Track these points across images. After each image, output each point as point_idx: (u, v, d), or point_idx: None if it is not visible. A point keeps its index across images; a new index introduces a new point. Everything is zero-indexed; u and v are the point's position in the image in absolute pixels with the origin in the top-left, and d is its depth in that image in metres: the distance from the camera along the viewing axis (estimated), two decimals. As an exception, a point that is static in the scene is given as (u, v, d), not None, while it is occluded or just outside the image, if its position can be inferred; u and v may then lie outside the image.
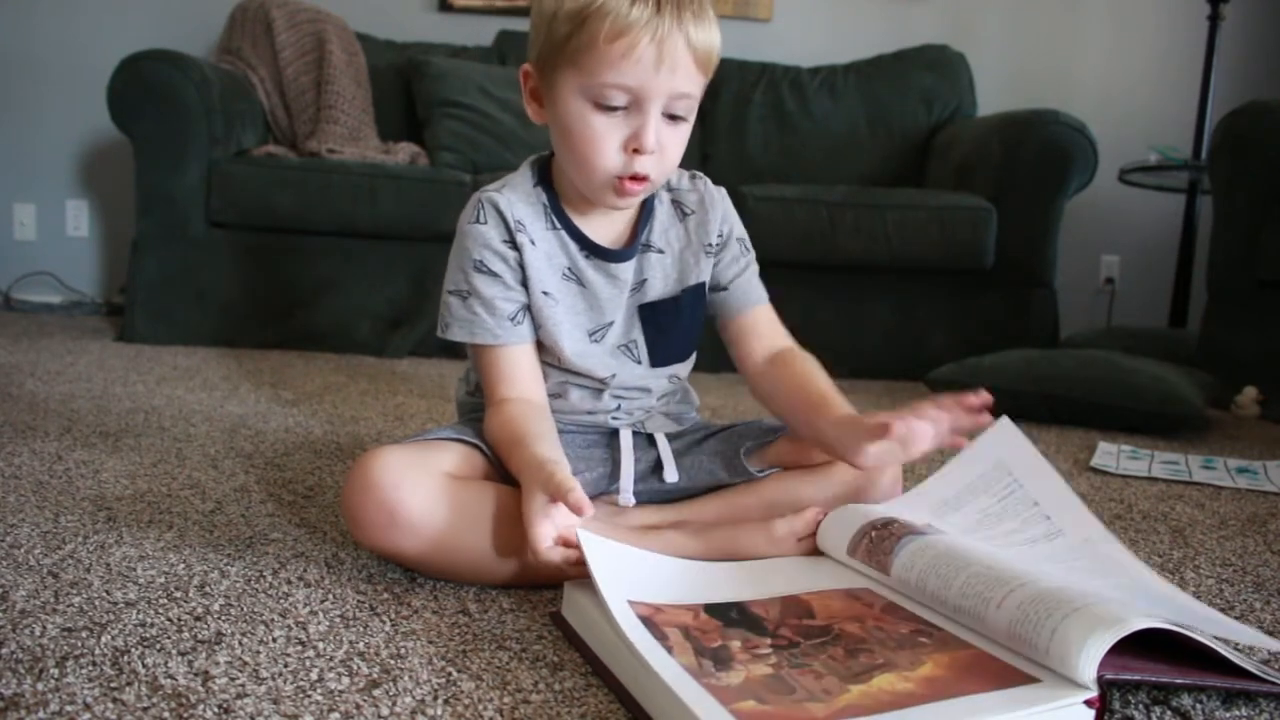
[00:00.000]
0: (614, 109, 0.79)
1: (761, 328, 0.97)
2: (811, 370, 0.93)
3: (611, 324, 0.92)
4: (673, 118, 0.81)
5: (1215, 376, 2.02)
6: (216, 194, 2.29)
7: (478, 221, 0.87)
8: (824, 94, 2.96)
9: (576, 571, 0.70)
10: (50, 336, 2.32)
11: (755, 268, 0.99)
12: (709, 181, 0.96)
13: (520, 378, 0.88)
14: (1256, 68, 3.21)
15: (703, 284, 0.94)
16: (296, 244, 2.35)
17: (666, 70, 0.77)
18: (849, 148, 2.92)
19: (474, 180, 2.38)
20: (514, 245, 0.87)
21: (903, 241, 2.39)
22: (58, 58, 3.00)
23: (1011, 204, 2.43)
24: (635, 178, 0.81)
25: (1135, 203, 3.20)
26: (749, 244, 0.98)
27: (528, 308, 0.88)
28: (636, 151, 0.80)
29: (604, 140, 0.80)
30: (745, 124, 2.91)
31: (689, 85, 0.80)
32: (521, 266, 0.87)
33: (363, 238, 2.35)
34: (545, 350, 0.91)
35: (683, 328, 0.95)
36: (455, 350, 2.37)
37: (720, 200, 0.95)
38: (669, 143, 0.82)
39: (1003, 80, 3.18)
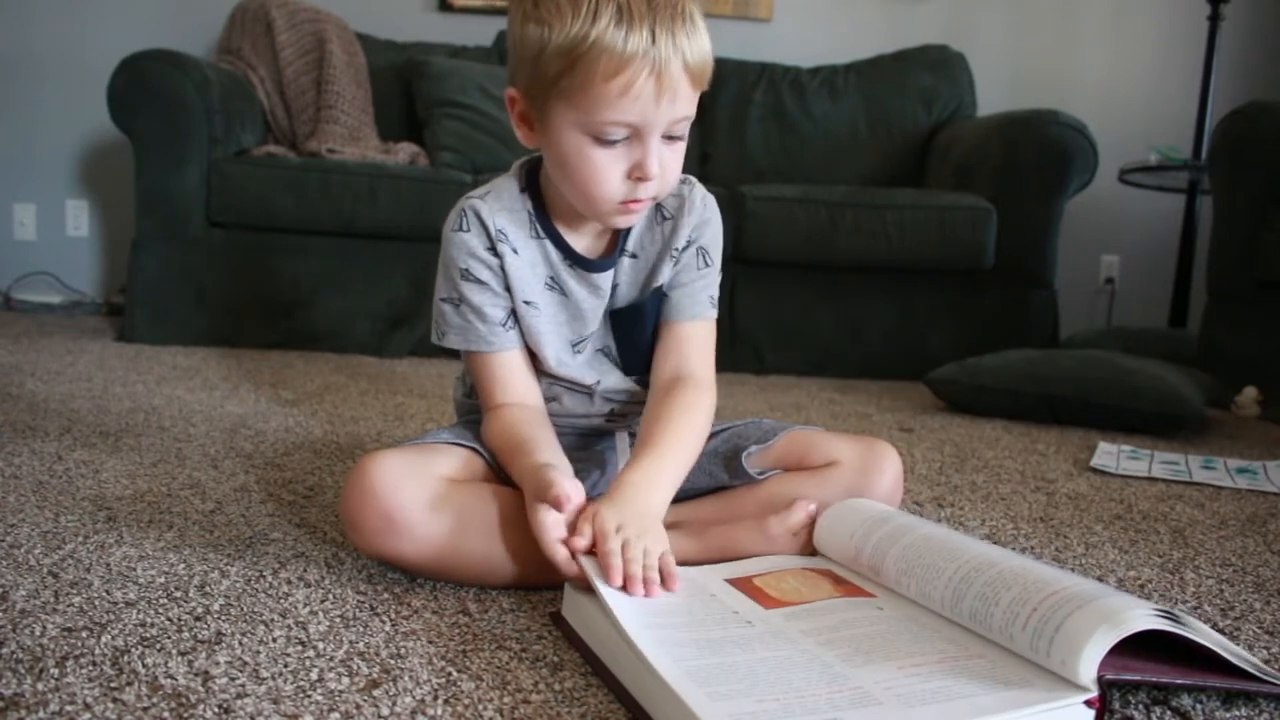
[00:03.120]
0: (614, 141, 0.77)
1: (680, 343, 0.91)
2: (664, 416, 0.84)
3: (591, 334, 0.92)
4: (671, 138, 0.79)
5: (1215, 376, 2.02)
6: (216, 194, 2.29)
7: (461, 229, 0.86)
8: (824, 94, 2.96)
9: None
10: (50, 336, 2.32)
11: (710, 284, 0.92)
12: (696, 187, 0.91)
13: (515, 383, 0.88)
14: (1256, 68, 3.21)
15: (661, 287, 0.91)
16: (296, 244, 2.35)
17: (668, 101, 0.75)
18: (849, 148, 2.92)
19: (474, 180, 2.38)
20: (496, 253, 0.86)
21: (903, 241, 2.39)
22: (58, 58, 3.00)
23: (1011, 204, 2.43)
24: (639, 200, 0.80)
25: (1135, 203, 3.20)
26: (712, 257, 0.92)
27: (515, 312, 0.88)
28: (639, 179, 0.78)
29: (606, 172, 0.78)
30: (745, 124, 2.91)
31: (687, 108, 0.78)
32: (504, 272, 0.86)
33: (363, 238, 2.35)
34: (533, 357, 0.90)
35: (651, 335, 0.93)
36: (455, 350, 2.36)
37: (700, 209, 0.90)
38: (669, 163, 0.80)
39: (1003, 80, 3.18)
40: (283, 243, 2.34)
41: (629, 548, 0.69)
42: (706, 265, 0.91)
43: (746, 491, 0.92)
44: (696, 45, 0.75)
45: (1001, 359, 1.94)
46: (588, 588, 0.68)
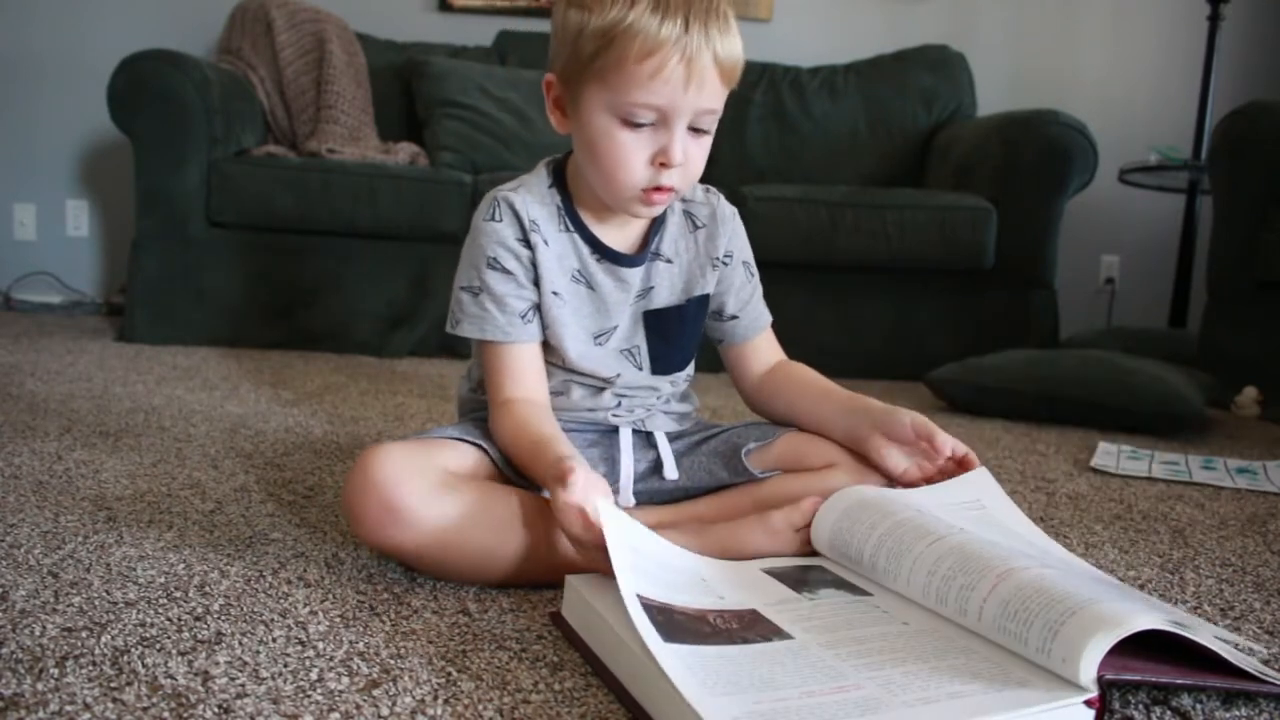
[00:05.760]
0: (641, 125, 0.80)
1: (764, 348, 1.02)
2: (812, 372, 1.01)
3: (615, 328, 0.93)
4: (697, 130, 0.82)
5: (1215, 376, 2.02)
6: (216, 194, 2.29)
7: (493, 219, 0.88)
8: (824, 94, 2.96)
9: (592, 558, 0.69)
10: (50, 336, 2.32)
11: (760, 291, 1.02)
12: (722, 198, 0.98)
13: (526, 377, 0.89)
14: (1256, 68, 3.21)
15: (707, 295, 0.96)
16: (296, 244, 2.35)
17: (695, 88, 0.78)
18: (849, 148, 2.92)
19: (474, 180, 2.38)
20: (528, 244, 0.88)
21: (903, 241, 2.39)
22: (58, 58, 3.00)
23: (1011, 204, 2.43)
24: (661, 189, 0.82)
25: (1135, 203, 3.20)
26: (754, 268, 1.01)
27: (538, 307, 0.89)
28: (663, 165, 0.81)
29: (631, 156, 0.81)
30: (745, 124, 2.91)
31: (715, 101, 0.81)
32: (534, 265, 0.88)
33: (363, 238, 2.35)
34: (550, 350, 0.91)
35: (685, 337, 0.97)
36: (455, 350, 2.37)
37: (731, 219, 0.97)
38: (693, 155, 0.83)
39: (1003, 80, 3.18)
40: (283, 243, 2.34)
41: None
42: (753, 276, 1.01)
43: (747, 491, 0.92)
44: (728, 43, 0.79)
45: (1001, 359, 1.94)
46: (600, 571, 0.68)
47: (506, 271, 0.87)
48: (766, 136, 2.91)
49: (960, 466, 0.85)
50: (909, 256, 2.41)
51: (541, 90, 0.88)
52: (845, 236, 2.39)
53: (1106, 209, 3.20)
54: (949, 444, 0.85)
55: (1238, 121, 2.14)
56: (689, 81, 0.77)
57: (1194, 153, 2.89)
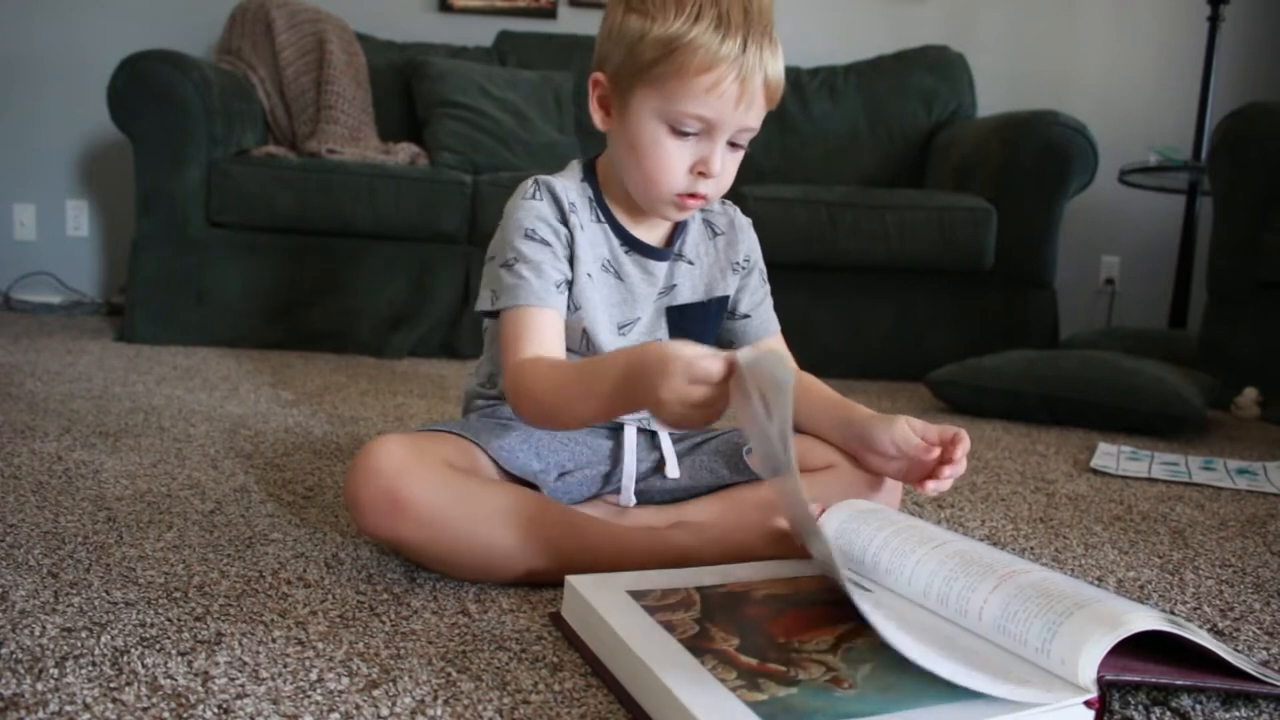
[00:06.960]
0: (687, 134, 0.83)
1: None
2: (815, 381, 1.01)
3: (639, 319, 0.95)
4: (734, 145, 0.85)
5: (1215, 377, 2.02)
6: (216, 194, 2.29)
7: (533, 198, 0.89)
8: (824, 95, 2.96)
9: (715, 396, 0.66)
10: (50, 336, 2.32)
11: (770, 300, 1.05)
12: (739, 210, 1.02)
13: (551, 341, 0.86)
14: (1256, 68, 3.21)
15: (727, 297, 0.99)
16: (296, 244, 2.35)
17: (745, 106, 0.81)
18: (849, 148, 2.92)
19: (474, 180, 2.38)
20: (566, 224, 0.89)
21: (903, 241, 2.39)
22: (58, 58, 3.00)
23: (1011, 204, 2.43)
24: (695, 195, 0.86)
25: (1135, 203, 3.20)
26: (766, 276, 1.04)
27: (569, 284, 0.90)
28: (702, 174, 0.84)
29: (674, 162, 0.84)
30: (745, 124, 2.91)
31: (757, 120, 0.84)
32: (571, 246, 0.90)
33: (363, 238, 2.35)
34: (570, 338, 0.91)
35: (707, 334, 0.99)
36: (455, 350, 2.37)
37: (748, 229, 1.02)
38: (729, 166, 0.86)
39: (1003, 80, 3.18)
40: (283, 243, 2.34)
41: None
42: (765, 283, 1.04)
43: (748, 491, 0.92)
44: (776, 66, 0.83)
45: (1001, 359, 1.94)
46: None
47: (544, 242, 0.88)
48: (767, 137, 2.91)
49: (952, 445, 0.84)
50: (909, 256, 2.41)
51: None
52: (845, 236, 2.39)
53: (1106, 209, 3.20)
54: (928, 443, 0.85)
55: (1237, 122, 2.15)
56: (741, 99, 0.80)
57: (1194, 153, 2.89)
